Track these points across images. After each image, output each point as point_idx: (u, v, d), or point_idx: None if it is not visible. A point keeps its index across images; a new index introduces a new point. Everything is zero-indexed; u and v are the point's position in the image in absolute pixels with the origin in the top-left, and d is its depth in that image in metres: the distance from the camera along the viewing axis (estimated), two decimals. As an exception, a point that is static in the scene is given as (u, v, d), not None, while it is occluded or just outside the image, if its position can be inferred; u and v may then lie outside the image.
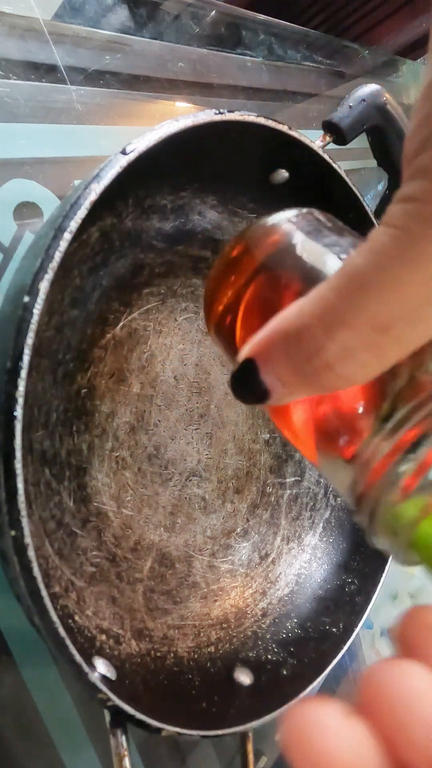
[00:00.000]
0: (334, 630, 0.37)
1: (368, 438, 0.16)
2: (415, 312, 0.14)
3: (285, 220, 0.21)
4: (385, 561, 0.40)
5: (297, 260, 0.20)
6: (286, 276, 0.16)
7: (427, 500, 0.16)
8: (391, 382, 0.16)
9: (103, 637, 0.30)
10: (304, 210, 0.22)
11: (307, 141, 0.32)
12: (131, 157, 0.25)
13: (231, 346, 0.21)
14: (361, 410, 0.17)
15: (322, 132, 0.37)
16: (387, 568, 0.40)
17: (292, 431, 0.20)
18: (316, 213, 0.22)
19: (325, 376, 0.15)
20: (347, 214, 0.36)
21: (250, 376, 0.16)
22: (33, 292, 0.22)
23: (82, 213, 0.23)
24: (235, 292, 0.21)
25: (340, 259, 0.19)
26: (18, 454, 0.21)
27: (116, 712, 0.24)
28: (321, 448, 0.19)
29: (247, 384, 0.16)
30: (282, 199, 0.35)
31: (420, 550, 0.16)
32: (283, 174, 0.34)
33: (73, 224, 0.23)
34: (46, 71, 0.36)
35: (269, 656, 0.36)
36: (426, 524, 0.16)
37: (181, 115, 0.27)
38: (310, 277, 0.19)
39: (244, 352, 0.16)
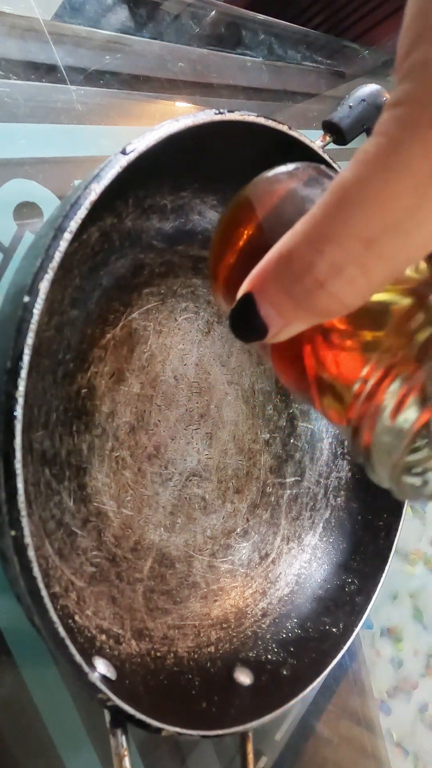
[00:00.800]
0: (334, 630, 0.37)
1: (363, 364, 0.17)
2: (400, 224, 0.13)
3: (286, 172, 0.21)
4: (385, 561, 0.40)
5: (298, 209, 0.19)
6: (287, 225, 0.16)
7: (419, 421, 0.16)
8: (381, 313, 0.16)
9: (103, 637, 0.30)
10: (306, 162, 0.22)
11: (307, 141, 0.32)
12: (131, 157, 0.25)
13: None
14: (357, 344, 0.17)
15: (322, 132, 0.37)
16: (387, 568, 0.40)
17: (291, 373, 0.20)
18: (320, 166, 0.22)
19: (318, 297, 0.14)
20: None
21: (248, 310, 0.16)
22: (33, 292, 0.22)
23: (82, 213, 0.23)
24: (239, 247, 0.21)
25: None
26: (18, 454, 0.21)
27: (116, 712, 0.24)
28: (320, 387, 0.19)
29: (246, 320, 0.16)
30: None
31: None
32: (283, 174, 0.34)
33: (73, 224, 0.23)
34: (46, 71, 0.36)
35: (269, 656, 0.36)
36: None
37: (181, 115, 0.27)
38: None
39: (242, 288, 0.16)
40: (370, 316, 0.17)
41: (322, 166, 0.22)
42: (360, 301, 0.15)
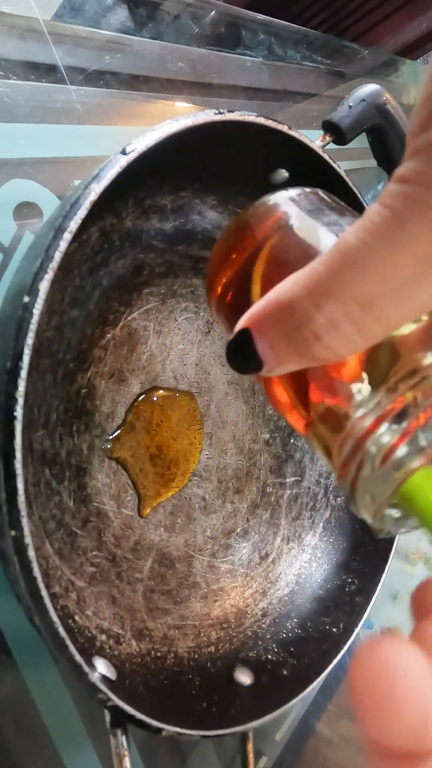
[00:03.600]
0: (334, 630, 0.37)
1: (354, 410, 0.17)
2: (398, 292, 0.14)
3: (287, 198, 0.21)
4: (385, 561, 0.40)
5: (296, 238, 0.20)
6: (285, 253, 0.17)
7: (407, 469, 0.16)
8: (378, 361, 0.17)
9: (103, 637, 0.30)
10: (307, 189, 0.22)
11: (306, 141, 0.32)
12: (131, 157, 0.25)
13: (232, 322, 0.21)
14: (348, 384, 0.18)
15: (322, 132, 0.37)
16: (387, 568, 0.40)
17: (283, 403, 0.20)
18: (319, 192, 0.22)
19: (313, 346, 0.16)
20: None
21: (245, 345, 0.17)
22: (33, 292, 0.22)
23: (82, 213, 0.23)
24: (236, 269, 0.21)
25: (338, 237, 0.19)
26: (18, 454, 0.21)
27: (116, 712, 0.24)
28: (309, 420, 0.19)
29: (243, 353, 0.17)
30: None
31: (405, 502, 0.17)
32: (283, 174, 0.34)
33: (73, 224, 0.23)
34: (46, 71, 0.36)
35: (269, 656, 0.36)
36: (412, 483, 0.16)
37: (181, 115, 0.27)
38: (308, 255, 0.19)
39: (241, 323, 0.17)
40: (365, 363, 0.17)
41: (321, 192, 0.22)
42: (353, 352, 0.16)
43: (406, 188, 0.14)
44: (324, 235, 0.20)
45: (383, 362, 0.17)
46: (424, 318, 0.17)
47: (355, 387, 0.17)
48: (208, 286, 0.23)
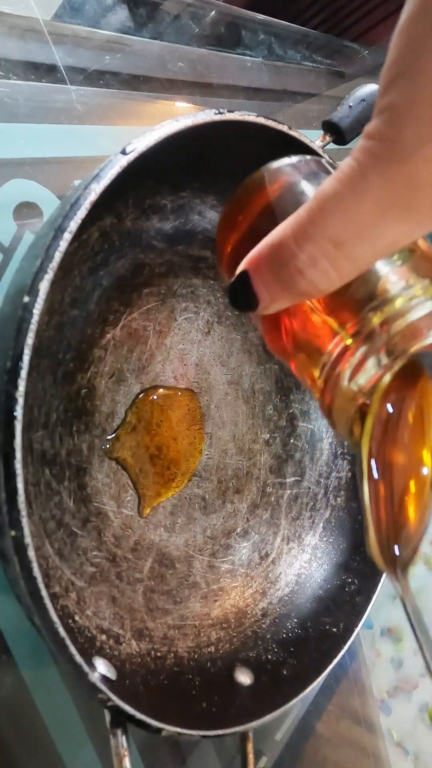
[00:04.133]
0: (334, 630, 0.37)
1: (333, 338, 0.20)
2: (362, 233, 0.17)
3: (289, 164, 0.24)
4: (385, 561, 0.40)
5: (295, 200, 0.22)
6: (285, 214, 0.19)
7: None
8: (355, 296, 0.20)
9: (103, 637, 0.30)
10: (308, 156, 0.24)
11: (307, 141, 0.32)
12: (131, 157, 0.25)
13: None
14: (329, 317, 0.21)
15: (322, 132, 0.37)
16: None
17: (277, 343, 0.23)
18: (318, 159, 0.25)
19: (298, 281, 0.18)
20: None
21: (243, 286, 0.20)
22: (33, 292, 0.22)
23: (82, 213, 0.23)
24: (241, 231, 0.24)
25: None
26: (18, 454, 0.21)
27: (116, 712, 0.24)
28: (296, 355, 0.22)
29: (241, 293, 0.20)
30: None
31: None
32: (283, 174, 0.34)
33: (73, 224, 0.23)
34: (46, 71, 0.36)
35: (269, 656, 0.36)
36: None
37: (181, 115, 0.27)
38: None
39: (241, 266, 0.20)
40: (342, 298, 0.20)
41: (323, 160, 0.25)
42: (331, 287, 0.18)
43: (369, 143, 0.16)
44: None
45: (360, 297, 0.20)
46: (398, 262, 0.20)
47: (332, 320, 0.20)
48: (219, 251, 0.25)
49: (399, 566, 0.24)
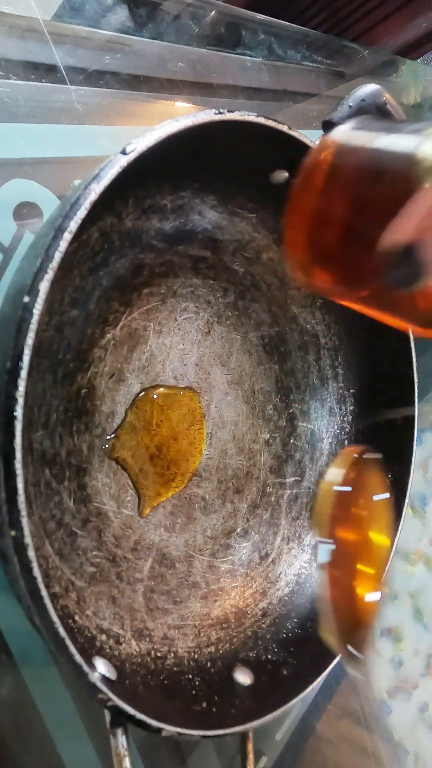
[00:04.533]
0: (334, 630, 0.37)
1: None
2: None
3: (344, 130, 0.25)
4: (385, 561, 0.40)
5: (368, 155, 0.23)
6: (367, 170, 0.19)
7: None
8: None
9: (104, 637, 0.30)
10: (357, 117, 0.25)
11: (307, 141, 0.32)
12: (131, 157, 0.25)
13: (336, 254, 0.24)
14: None
15: (322, 132, 0.37)
16: (387, 567, 0.40)
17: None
18: (368, 116, 0.26)
19: None
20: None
21: (410, 258, 0.19)
22: (33, 292, 0.22)
23: (82, 213, 0.23)
24: (321, 199, 0.23)
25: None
26: (18, 454, 0.21)
27: (116, 712, 0.24)
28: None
29: (417, 265, 0.19)
30: (282, 199, 0.35)
31: None
32: (283, 174, 0.34)
33: (73, 224, 0.23)
34: (46, 71, 0.36)
35: (269, 656, 0.36)
36: None
37: (181, 115, 0.27)
38: (376, 158, 0.22)
39: (394, 240, 0.19)
40: None
41: (369, 116, 0.26)
42: None
43: None
44: (389, 140, 0.22)
45: None
46: None
47: None
48: (292, 240, 0.25)
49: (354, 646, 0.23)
